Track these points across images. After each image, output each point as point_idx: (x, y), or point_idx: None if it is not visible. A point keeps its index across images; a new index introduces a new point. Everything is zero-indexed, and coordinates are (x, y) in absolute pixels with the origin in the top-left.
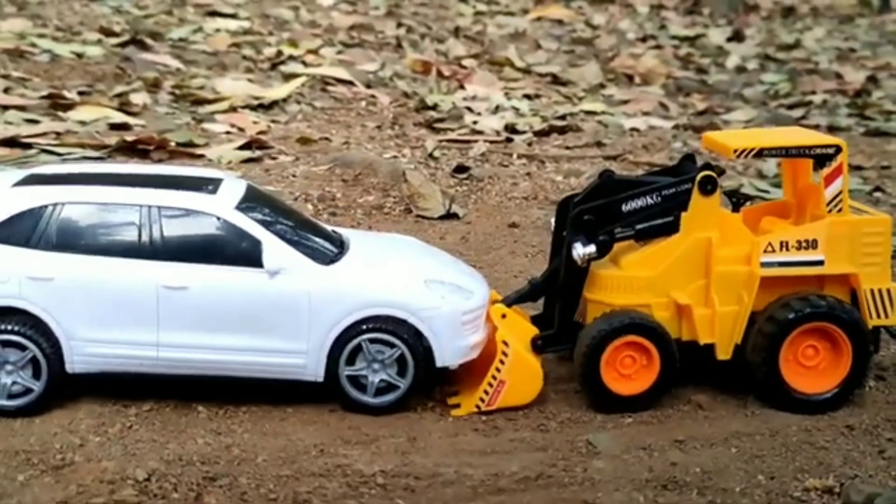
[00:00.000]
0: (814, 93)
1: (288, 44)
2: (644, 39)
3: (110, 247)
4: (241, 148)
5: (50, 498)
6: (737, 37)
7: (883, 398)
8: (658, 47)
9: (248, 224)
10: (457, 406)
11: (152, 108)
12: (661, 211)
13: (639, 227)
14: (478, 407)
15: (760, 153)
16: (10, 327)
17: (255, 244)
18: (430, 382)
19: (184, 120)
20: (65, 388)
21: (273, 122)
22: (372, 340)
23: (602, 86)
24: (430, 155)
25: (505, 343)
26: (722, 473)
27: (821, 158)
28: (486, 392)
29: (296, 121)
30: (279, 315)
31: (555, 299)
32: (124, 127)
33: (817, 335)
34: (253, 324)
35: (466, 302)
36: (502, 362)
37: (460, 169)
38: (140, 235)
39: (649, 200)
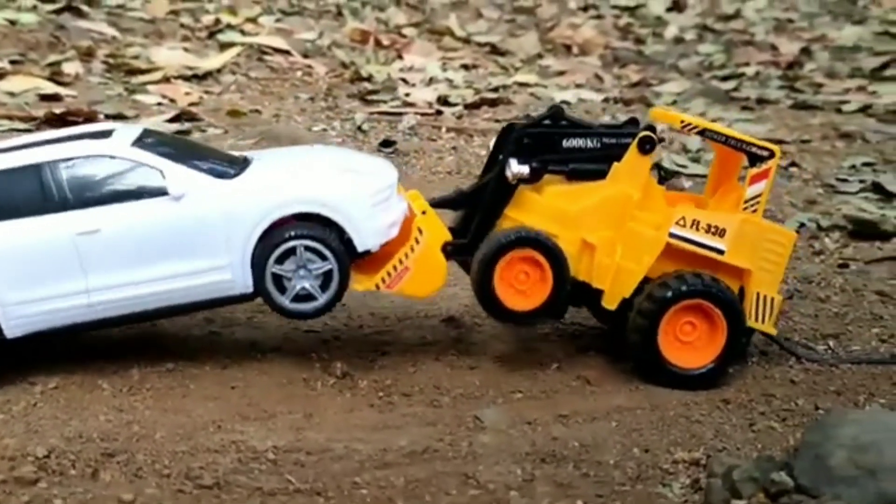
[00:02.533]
0: (748, 64)
1: (227, 11)
2: (585, 9)
3: (21, 209)
4: (171, 120)
5: None
6: (677, 7)
7: (762, 373)
8: (599, 17)
9: (146, 157)
10: (359, 282)
11: (85, 79)
12: (597, 157)
13: (572, 165)
14: (377, 286)
15: (703, 132)
16: None
17: (156, 174)
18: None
19: (116, 91)
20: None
21: (206, 92)
22: (292, 246)
23: (540, 56)
24: (360, 128)
25: (420, 231)
26: (599, 447)
27: (753, 157)
28: (388, 274)
29: (229, 91)
30: (194, 236)
31: (474, 212)
32: (55, 98)
33: (694, 312)
34: (172, 250)
35: (372, 183)
36: (412, 249)
37: (386, 143)
38: (46, 192)
39: (589, 143)
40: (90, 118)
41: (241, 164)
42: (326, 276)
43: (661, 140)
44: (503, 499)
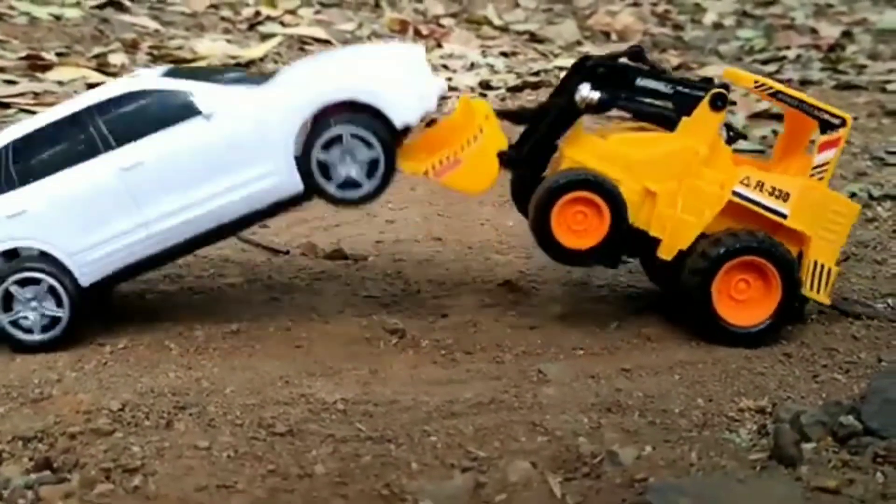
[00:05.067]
0: (788, 48)
1: (266, 4)
2: None
3: (66, 159)
4: None
5: (28, 427)
6: None
7: (823, 329)
8: (636, 4)
9: (175, 83)
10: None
11: (130, 69)
12: (668, 102)
13: (641, 104)
14: (426, 173)
15: (776, 94)
16: (21, 266)
17: (187, 97)
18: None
19: None
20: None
21: None
22: (331, 141)
23: (579, 43)
24: None
25: (480, 130)
26: (664, 397)
27: (825, 124)
28: (440, 162)
29: None
30: (234, 148)
31: (535, 130)
32: None
33: (749, 269)
34: (216, 166)
35: (398, 62)
36: (469, 143)
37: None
38: (87, 138)
39: (662, 88)
40: None
41: (271, 75)
42: (372, 164)
43: (733, 103)
44: (572, 444)
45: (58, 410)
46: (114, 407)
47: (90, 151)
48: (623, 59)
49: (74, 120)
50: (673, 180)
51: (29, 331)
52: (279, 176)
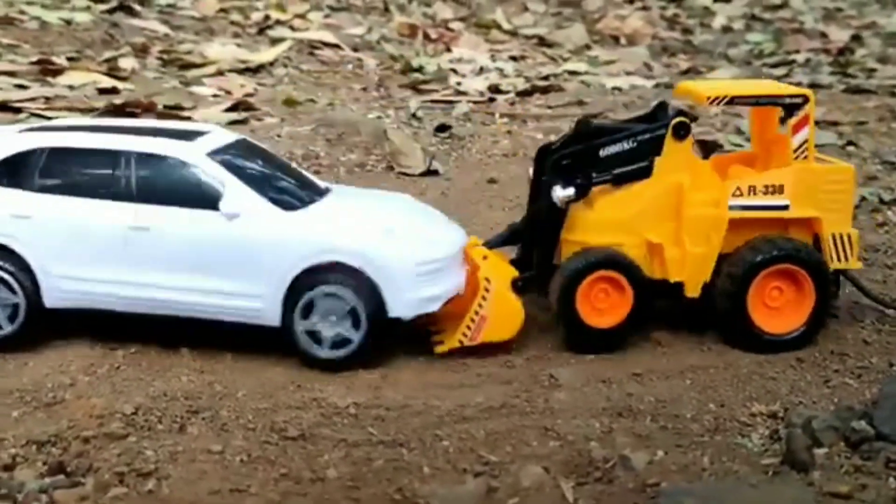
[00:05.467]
0: (798, 52)
1: (275, 8)
2: (631, 1)
3: (87, 189)
4: (228, 110)
5: (42, 431)
6: None
7: (834, 334)
8: (645, 8)
9: (215, 169)
10: (440, 344)
11: (141, 73)
12: (637, 156)
13: (616, 171)
14: (460, 342)
15: (732, 101)
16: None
17: (218, 189)
18: (387, 333)
19: (172, 84)
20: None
21: (260, 84)
22: (326, 294)
23: (588, 47)
24: (414, 115)
25: (487, 280)
26: (675, 402)
27: (789, 108)
28: (468, 328)
29: (282, 83)
30: (236, 258)
31: (533, 243)
32: (113, 91)
33: (782, 276)
34: (211, 265)
35: (422, 252)
36: (484, 298)
37: (442, 128)
38: (114, 178)
39: (625, 146)
40: (149, 109)
41: (314, 197)
42: (354, 315)
43: (695, 119)
44: (584, 449)
45: (71, 415)
46: (127, 411)
47: (111, 193)
48: (576, 136)
49: (113, 156)
50: (670, 221)
51: None
52: (263, 303)
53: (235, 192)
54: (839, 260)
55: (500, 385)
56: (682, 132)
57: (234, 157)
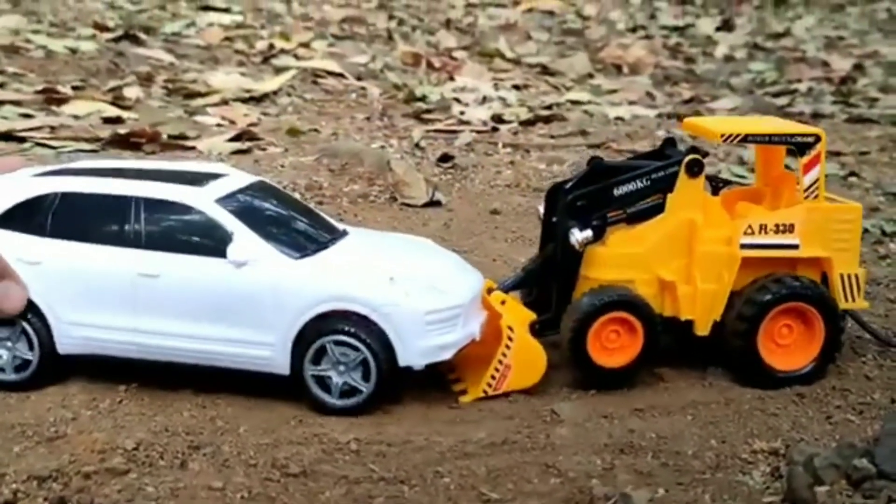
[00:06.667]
0: (800, 81)
1: (280, 37)
2: (634, 30)
3: (98, 234)
4: (232, 140)
5: (44, 466)
6: (726, 26)
7: (836, 369)
8: (648, 37)
9: (224, 216)
10: (463, 392)
11: (145, 102)
12: (651, 193)
13: (630, 210)
14: (485, 392)
15: (746, 139)
16: None
17: (227, 236)
18: (398, 382)
19: (176, 113)
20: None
21: (264, 114)
22: (336, 342)
23: (590, 76)
24: (417, 145)
25: (510, 328)
26: (677, 438)
27: (801, 146)
28: (492, 377)
29: (286, 113)
30: (245, 306)
31: (550, 285)
32: (117, 120)
33: (792, 315)
34: (221, 314)
35: (434, 301)
36: (508, 347)
37: (445, 158)
38: (124, 224)
39: (639, 184)
40: (153, 138)
41: (326, 243)
42: (365, 365)
43: (706, 155)
44: (585, 486)
45: (73, 449)
46: (128, 446)
47: (120, 240)
48: (590, 175)
49: (123, 202)
50: (682, 258)
51: (1, 370)
52: (272, 351)
53: (243, 239)
54: (847, 299)
55: (501, 420)
56: (695, 169)
57: (247, 201)
